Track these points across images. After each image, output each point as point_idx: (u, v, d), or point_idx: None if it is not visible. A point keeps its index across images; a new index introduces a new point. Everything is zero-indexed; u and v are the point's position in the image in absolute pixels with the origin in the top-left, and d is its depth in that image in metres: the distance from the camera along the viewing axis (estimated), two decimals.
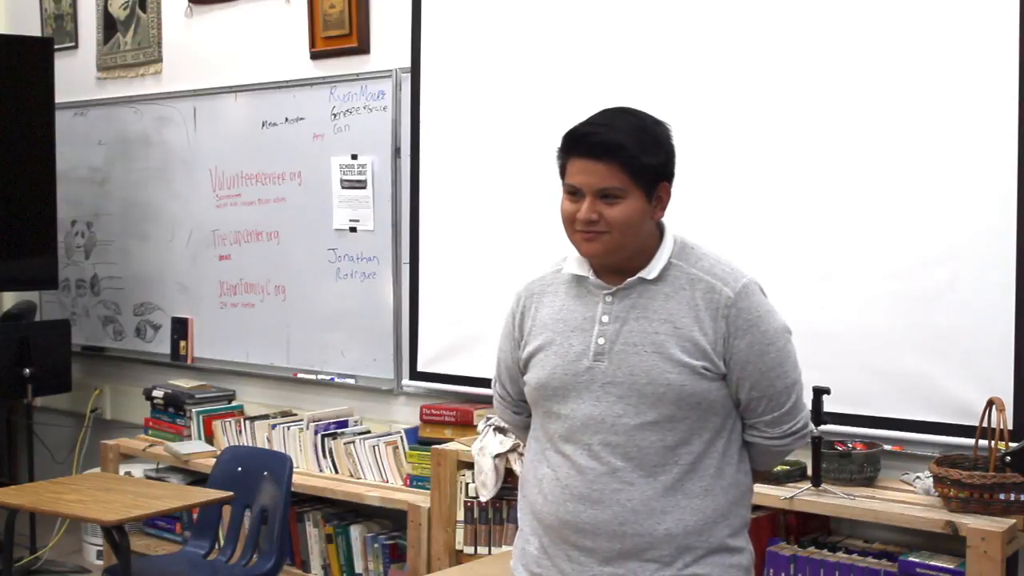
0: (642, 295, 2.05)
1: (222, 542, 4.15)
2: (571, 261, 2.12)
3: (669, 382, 1.99)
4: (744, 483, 2.11)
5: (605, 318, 2.05)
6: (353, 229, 4.70)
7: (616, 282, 2.06)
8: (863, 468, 3.30)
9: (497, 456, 3.76)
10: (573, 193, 2.03)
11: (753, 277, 2.07)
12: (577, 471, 2.04)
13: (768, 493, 3.24)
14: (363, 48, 4.67)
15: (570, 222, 2.04)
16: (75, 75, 5.72)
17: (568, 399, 2.06)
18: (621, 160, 1.98)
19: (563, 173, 2.05)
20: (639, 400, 2.00)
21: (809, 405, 3.20)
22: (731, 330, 2.01)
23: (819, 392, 3.23)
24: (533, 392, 2.14)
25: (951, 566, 3.04)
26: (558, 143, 2.06)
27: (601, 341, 2.04)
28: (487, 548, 3.85)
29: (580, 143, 2.01)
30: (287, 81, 4.91)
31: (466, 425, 4.12)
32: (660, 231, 2.10)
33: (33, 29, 5.93)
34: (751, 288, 2.05)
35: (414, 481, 4.21)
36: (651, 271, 2.05)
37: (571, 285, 2.13)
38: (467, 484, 3.86)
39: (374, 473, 4.35)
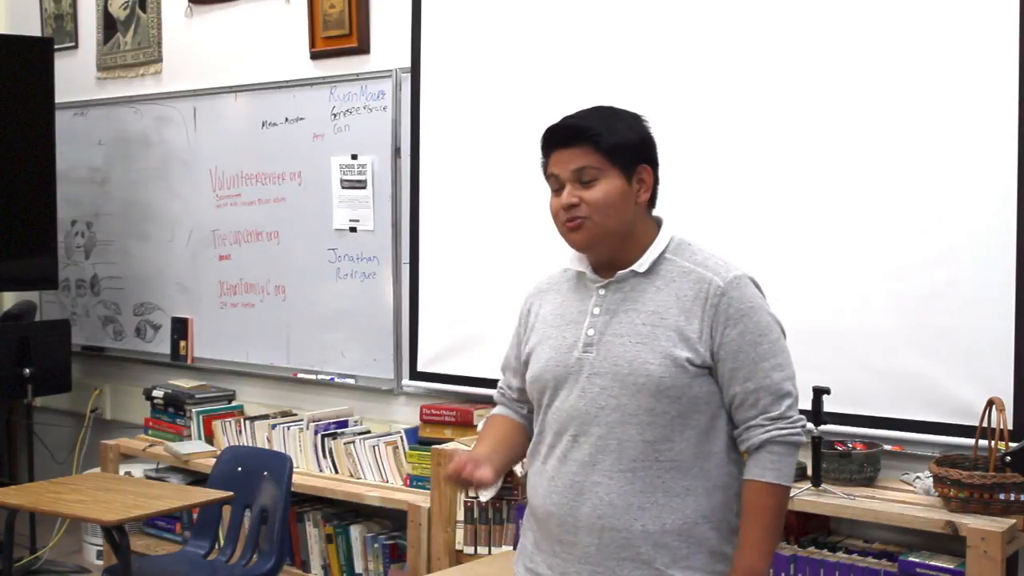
0: (634, 288, 2.07)
1: (222, 542, 4.15)
2: (572, 258, 2.15)
3: (649, 372, 1.99)
4: (733, 487, 2.07)
5: (596, 310, 2.08)
6: (353, 229, 4.70)
7: (611, 276, 2.09)
8: (863, 468, 3.30)
9: None
10: (556, 187, 2.08)
11: (747, 272, 2.07)
12: (563, 463, 2.06)
13: None
14: (363, 48, 4.67)
15: (557, 215, 2.09)
16: (75, 75, 5.72)
17: (560, 391, 2.09)
18: (591, 141, 2.03)
19: (546, 174, 2.12)
20: (620, 391, 2.01)
21: (809, 405, 3.24)
22: (721, 319, 2.01)
23: (819, 392, 3.23)
24: (531, 387, 2.16)
25: (951, 566, 3.04)
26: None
27: (591, 332, 2.07)
28: (487, 548, 3.85)
29: (553, 136, 2.09)
30: (287, 81, 4.91)
31: (466, 425, 4.12)
32: (658, 227, 2.12)
33: (33, 29, 5.93)
34: (743, 280, 2.05)
35: (414, 481, 4.21)
36: (643, 264, 2.07)
37: (573, 282, 2.17)
38: None
39: (374, 473, 4.35)
